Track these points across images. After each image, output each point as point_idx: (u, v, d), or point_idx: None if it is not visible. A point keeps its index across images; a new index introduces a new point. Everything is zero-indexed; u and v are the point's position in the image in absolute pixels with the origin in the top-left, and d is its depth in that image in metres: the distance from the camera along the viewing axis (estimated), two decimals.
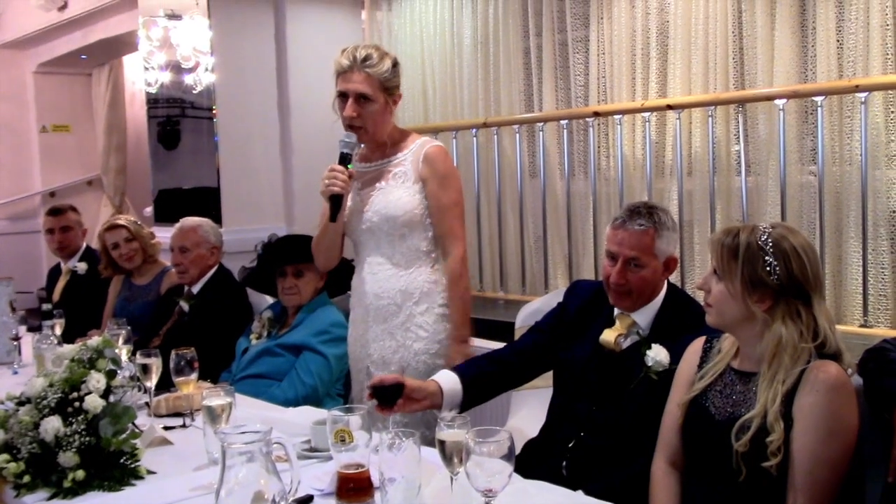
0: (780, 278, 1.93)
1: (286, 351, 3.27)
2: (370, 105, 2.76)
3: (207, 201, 5.45)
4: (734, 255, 1.96)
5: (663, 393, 2.22)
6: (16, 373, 3.42)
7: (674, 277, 3.97)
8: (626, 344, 2.41)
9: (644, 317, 2.43)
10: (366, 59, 2.74)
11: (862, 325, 3.45)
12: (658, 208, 2.43)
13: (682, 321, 2.37)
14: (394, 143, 2.88)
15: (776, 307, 1.94)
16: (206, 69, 5.38)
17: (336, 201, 2.73)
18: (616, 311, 2.47)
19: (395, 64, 2.81)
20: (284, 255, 3.36)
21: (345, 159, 2.76)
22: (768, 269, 1.93)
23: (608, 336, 2.42)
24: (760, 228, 1.98)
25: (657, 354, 2.33)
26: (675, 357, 2.27)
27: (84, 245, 4.96)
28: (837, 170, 3.62)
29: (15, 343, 3.55)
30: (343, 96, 2.78)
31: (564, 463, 2.40)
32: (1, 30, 8.12)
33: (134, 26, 6.02)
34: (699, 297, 2.20)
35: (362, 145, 2.89)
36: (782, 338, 1.92)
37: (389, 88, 2.79)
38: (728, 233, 2.02)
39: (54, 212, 4.96)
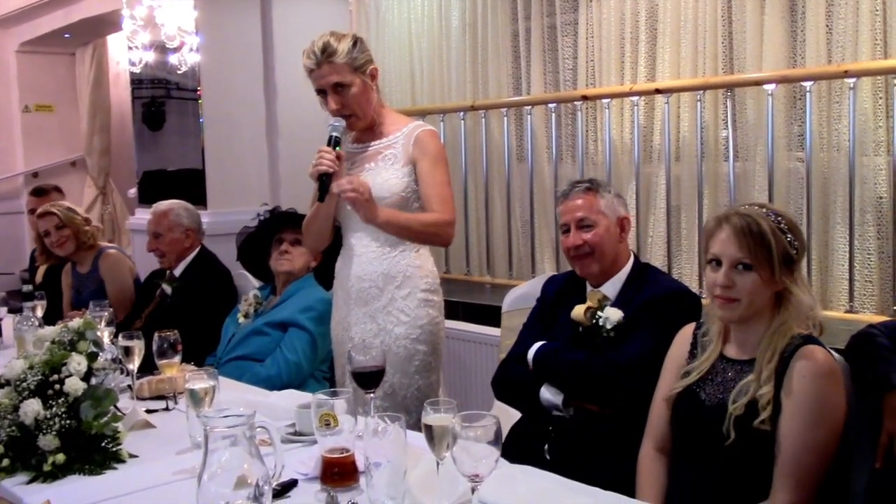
0: (797, 250, 2.02)
1: (273, 329, 3.26)
2: (349, 90, 2.75)
3: (192, 183, 5.39)
4: (763, 242, 1.98)
5: (646, 378, 2.23)
6: None
7: (661, 263, 4.02)
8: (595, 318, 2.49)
9: (612, 288, 2.52)
10: (324, 49, 2.72)
11: (848, 311, 3.45)
12: (596, 179, 2.62)
13: (645, 285, 2.48)
14: (385, 124, 2.88)
15: (795, 275, 2.03)
16: (191, 49, 5.31)
17: (324, 182, 2.71)
18: (588, 288, 2.55)
19: (356, 41, 2.78)
20: (287, 221, 3.36)
21: (332, 141, 2.74)
22: (790, 243, 2.00)
23: (578, 311, 2.49)
24: (762, 212, 2.03)
25: (610, 315, 2.43)
26: (635, 312, 2.39)
27: None
28: (825, 156, 3.62)
29: None
30: (322, 93, 2.78)
31: (546, 446, 2.42)
32: None
33: (118, 5, 5.93)
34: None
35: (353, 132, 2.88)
36: (803, 302, 2.00)
37: (359, 67, 2.76)
38: (744, 220, 2.01)
39: (38, 192, 4.91)
